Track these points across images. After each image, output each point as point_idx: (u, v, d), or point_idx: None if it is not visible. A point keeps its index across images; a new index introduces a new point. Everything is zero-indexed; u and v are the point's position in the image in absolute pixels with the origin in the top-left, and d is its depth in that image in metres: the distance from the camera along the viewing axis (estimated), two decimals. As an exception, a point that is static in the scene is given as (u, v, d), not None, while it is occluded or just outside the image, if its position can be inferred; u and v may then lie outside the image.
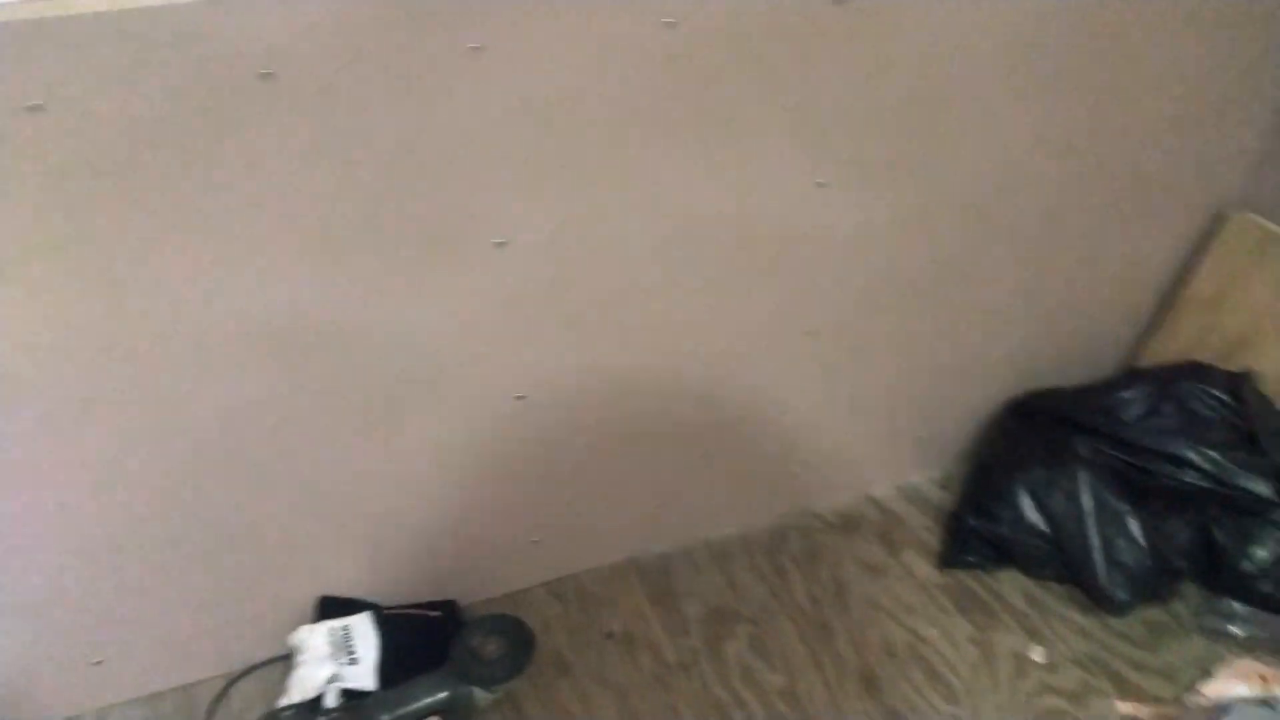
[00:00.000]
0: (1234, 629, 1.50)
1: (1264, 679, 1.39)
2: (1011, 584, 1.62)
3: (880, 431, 1.72)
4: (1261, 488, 1.47)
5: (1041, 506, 1.56)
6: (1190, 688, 1.43)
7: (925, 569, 1.65)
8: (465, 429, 1.37)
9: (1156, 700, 1.43)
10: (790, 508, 1.73)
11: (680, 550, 1.67)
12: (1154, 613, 1.57)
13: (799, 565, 1.65)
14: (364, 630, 1.38)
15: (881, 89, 1.32)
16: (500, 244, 1.21)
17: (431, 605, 1.47)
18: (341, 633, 1.37)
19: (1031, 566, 1.61)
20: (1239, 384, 1.59)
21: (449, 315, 1.24)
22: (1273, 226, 1.67)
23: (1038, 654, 1.51)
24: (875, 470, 1.78)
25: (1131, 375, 1.64)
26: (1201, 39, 1.49)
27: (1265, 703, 1.25)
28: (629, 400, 1.45)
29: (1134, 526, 1.50)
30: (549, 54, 1.10)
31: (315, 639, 1.36)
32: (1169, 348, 1.74)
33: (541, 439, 1.43)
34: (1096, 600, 1.54)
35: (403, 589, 1.48)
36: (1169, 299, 1.78)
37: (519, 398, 1.37)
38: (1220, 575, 1.52)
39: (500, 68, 1.08)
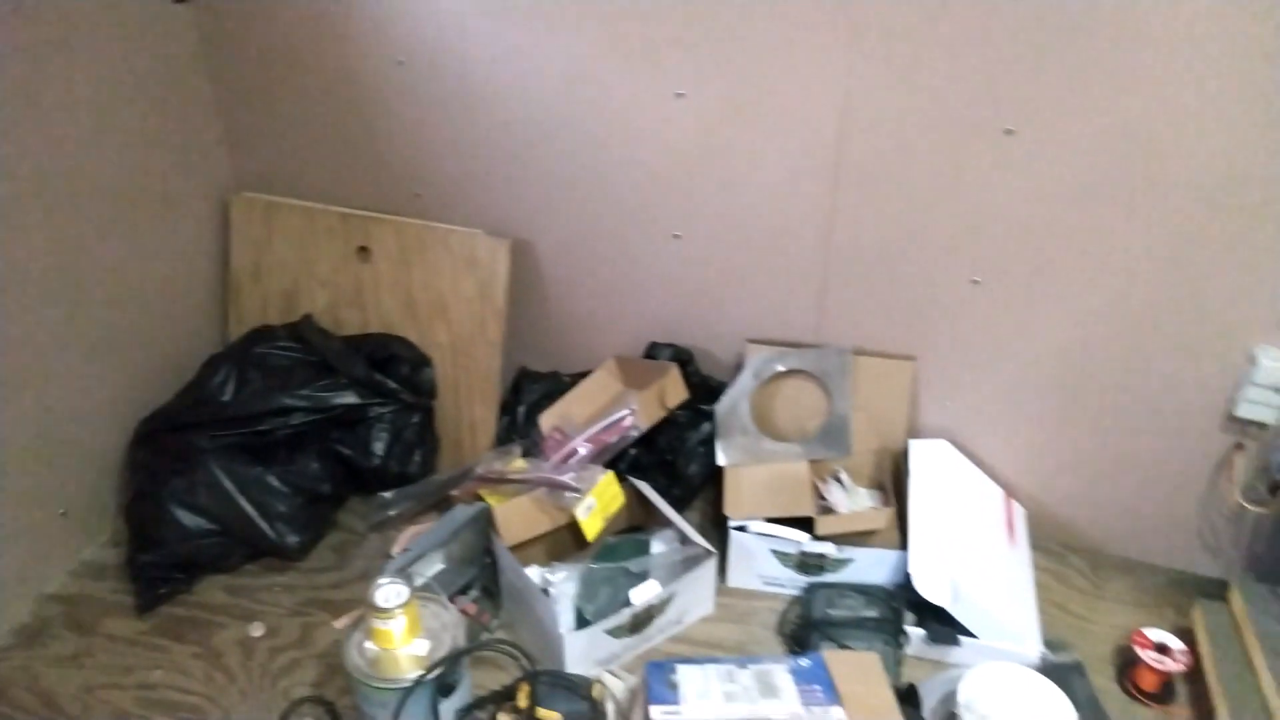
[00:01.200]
0: (392, 512, 1.79)
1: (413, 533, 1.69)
2: (212, 587, 1.69)
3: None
4: (350, 398, 1.75)
5: (195, 510, 1.64)
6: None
7: (130, 625, 1.63)
8: None
9: (360, 603, 1.64)
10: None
11: None
12: (334, 537, 1.79)
13: (-6, 708, 1.49)
14: None
15: None
16: None
17: None
18: None
19: (220, 563, 1.70)
20: (300, 329, 1.85)
21: None
22: (269, 197, 1.94)
23: (257, 630, 1.62)
24: (34, 571, 1.66)
25: (212, 362, 1.79)
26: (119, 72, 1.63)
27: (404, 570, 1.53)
28: None
29: (274, 481, 1.67)
30: None
31: None
32: (245, 325, 1.93)
33: None
34: (281, 556, 1.70)
35: None
36: (223, 286, 1.97)
37: None
38: (361, 478, 1.79)
39: None
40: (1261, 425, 1.54)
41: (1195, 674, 1.51)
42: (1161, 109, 1.37)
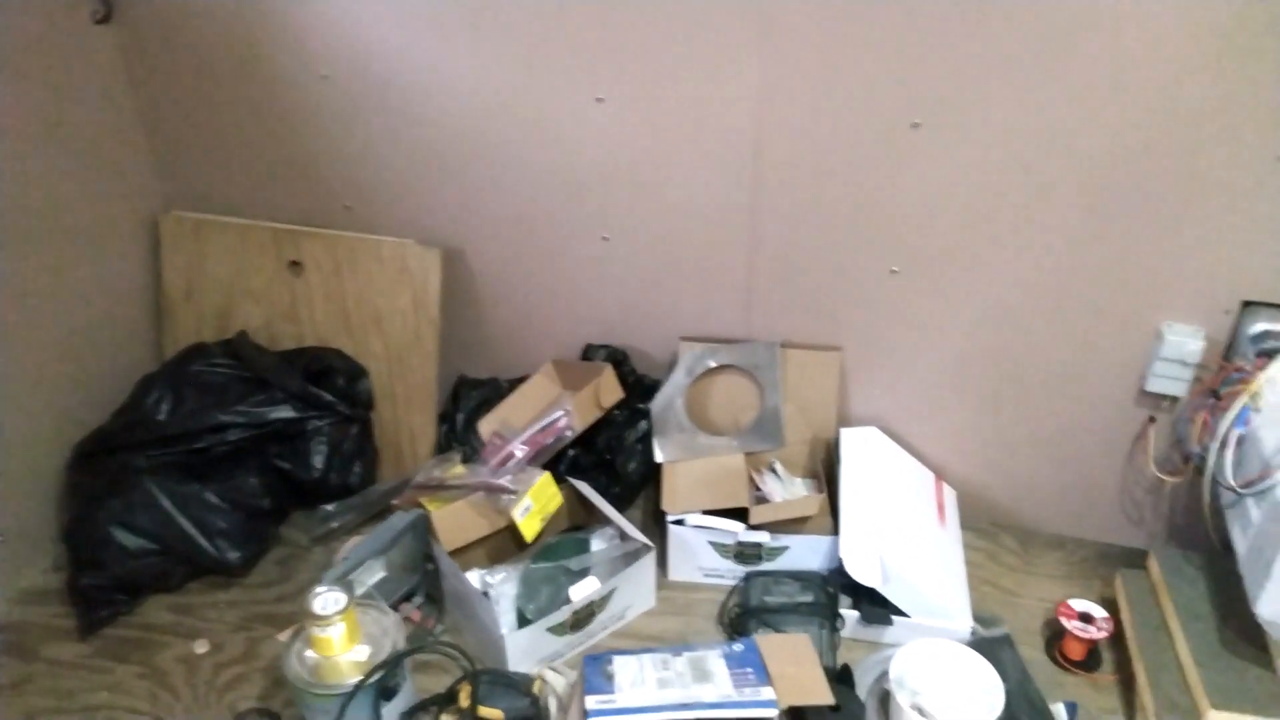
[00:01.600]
0: (335, 524, 1.80)
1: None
2: (155, 607, 1.69)
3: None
4: (287, 413, 1.76)
5: (134, 530, 1.64)
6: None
7: (72, 649, 1.62)
8: None
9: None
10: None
11: None
12: (278, 551, 1.80)
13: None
14: None
15: None
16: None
17: None
18: None
19: (163, 582, 1.70)
20: (235, 346, 1.85)
21: None
22: (199, 215, 1.94)
23: (201, 647, 1.62)
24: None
25: (146, 381, 1.79)
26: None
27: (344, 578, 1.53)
28: None
29: (213, 498, 1.68)
30: None
31: None
32: (180, 344, 1.92)
33: None
34: (223, 572, 1.70)
35: None
36: (156, 305, 1.96)
37: None
38: (302, 492, 1.80)
39: None
40: (1172, 399, 1.61)
41: (1119, 640, 1.56)
42: (1063, 101, 1.42)
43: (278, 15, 1.69)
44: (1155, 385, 1.59)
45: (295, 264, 1.90)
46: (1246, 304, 1.51)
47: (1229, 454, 1.44)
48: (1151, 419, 1.64)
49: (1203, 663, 1.41)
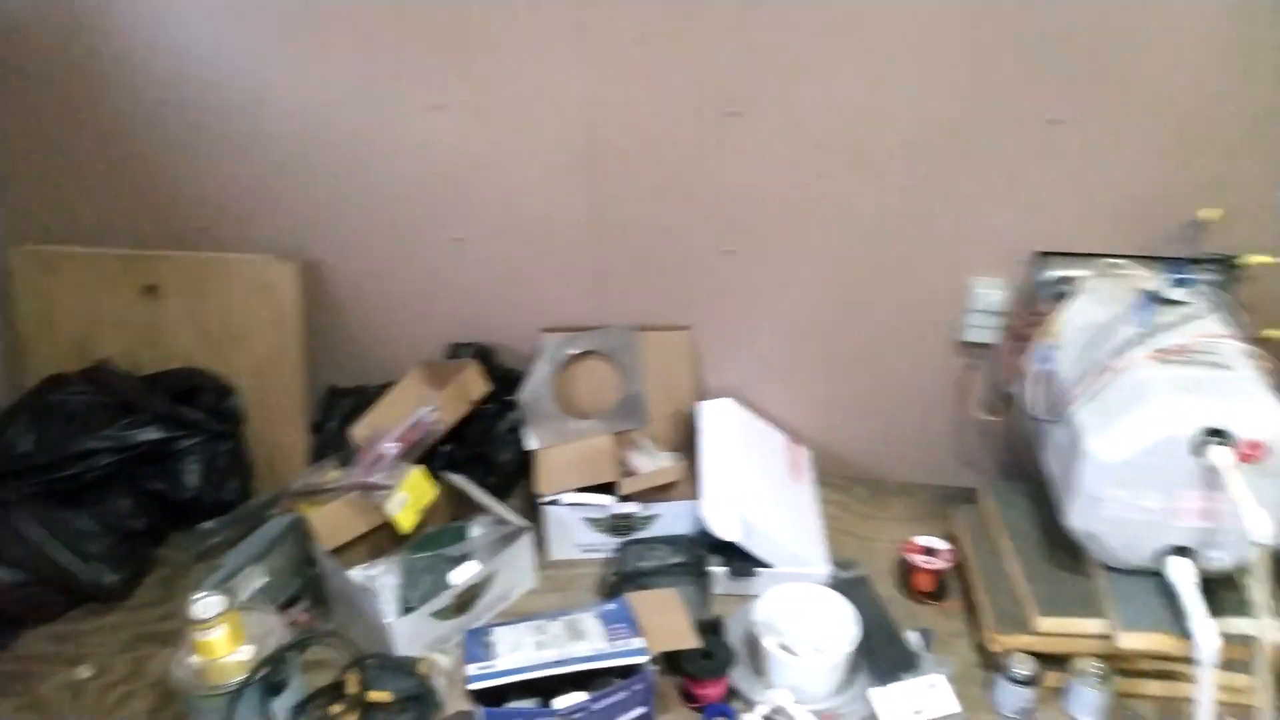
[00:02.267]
0: (216, 539, 1.80)
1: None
2: (35, 639, 1.67)
3: None
4: (154, 434, 1.77)
5: (5, 563, 1.62)
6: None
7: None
8: None
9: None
10: None
11: None
12: (160, 572, 1.80)
13: None
14: None
15: None
16: None
17: None
18: None
19: (42, 613, 1.68)
20: (98, 372, 1.85)
21: None
22: (50, 247, 1.93)
23: (85, 671, 1.61)
24: None
25: (4, 416, 1.77)
26: None
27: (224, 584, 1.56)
28: None
29: (85, 522, 1.68)
30: None
31: None
32: (41, 376, 1.90)
33: None
34: (102, 597, 1.70)
35: None
36: (12, 342, 1.94)
37: None
38: (179, 511, 1.81)
39: None
40: (986, 346, 1.78)
41: (962, 571, 1.72)
42: (863, 86, 1.57)
43: (109, 42, 1.71)
44: (971, 335, 1.76)
45: (151, 288, 1.91)
46: (1039, 254, 1.69)
47: (1036, 389, 1.61)
48: (971, 366, 1.80)
49: (1031, 578, 1.57)
